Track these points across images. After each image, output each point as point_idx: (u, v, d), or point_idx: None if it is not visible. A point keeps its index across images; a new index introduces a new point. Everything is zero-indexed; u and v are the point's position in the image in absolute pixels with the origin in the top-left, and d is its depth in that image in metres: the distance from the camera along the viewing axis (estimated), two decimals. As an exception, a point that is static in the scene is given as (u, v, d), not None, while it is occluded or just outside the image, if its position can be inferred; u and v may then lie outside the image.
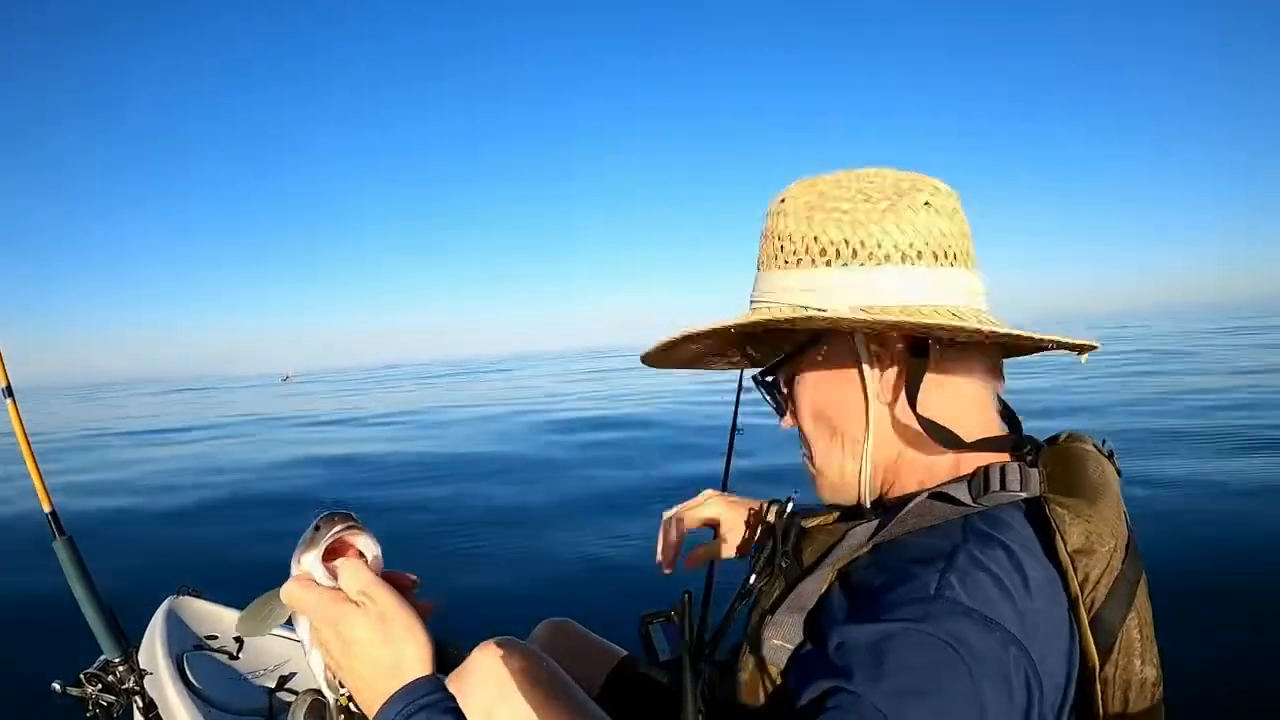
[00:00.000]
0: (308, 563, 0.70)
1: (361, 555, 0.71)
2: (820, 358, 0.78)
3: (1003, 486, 0.69)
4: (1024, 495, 0.69)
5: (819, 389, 0.79)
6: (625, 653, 1.33)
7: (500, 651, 1.09)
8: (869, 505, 0.79)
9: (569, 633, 1.37)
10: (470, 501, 5.42)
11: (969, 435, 0.74)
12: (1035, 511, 0.69)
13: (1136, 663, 0.67)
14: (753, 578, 0.84)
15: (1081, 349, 0.72)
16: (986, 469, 0.71)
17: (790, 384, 0.82)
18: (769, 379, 0.83)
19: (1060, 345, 0.73)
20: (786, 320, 0.72)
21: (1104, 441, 0.77)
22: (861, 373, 0.75)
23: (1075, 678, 0.65)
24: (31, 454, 1.53)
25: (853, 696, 0.56)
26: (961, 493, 0.71)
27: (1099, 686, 0.66)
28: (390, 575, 0.72)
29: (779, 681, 0.70)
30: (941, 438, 0.73)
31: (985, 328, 0.67)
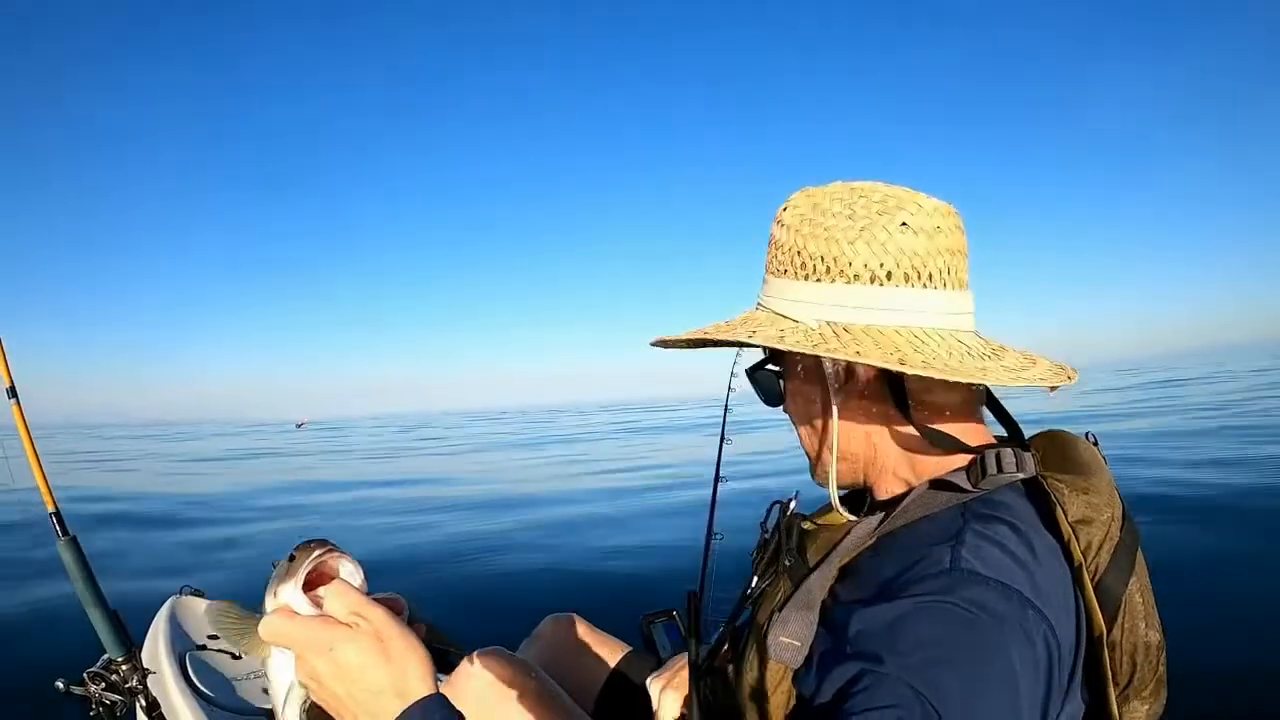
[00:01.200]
0: (285, 594, 0.63)
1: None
2: (801, 360, 0.82)
3: (999, 470, 0.70)
4: (1021, 476, 0.71)
5: (800, 389, 0.84)
6: (630, 648, 1.33)
7: (488, 662, 1.09)
8: (868, 499, 0.81)
9: (574, 628, 1.37)
10: (469, 499, 5.42)
11: (962, 435, 0.76)
12: (1034, 490, 0.71)
13: (1141, 626, 0.69)
14: (755, 579, 0.84)
15: (1050, 384, 0.72)
16: (982, 456, 0.73)
17: (784, 377, 0.86)
18: (765, 371, 0.87)
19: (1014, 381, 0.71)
20: (749, 341, 0.76)
21: (1087, 434, 0.79)
22: (826, 384, 0.79)
23: (1083, 643, 0.66)
24: (35, 454, 1.54)
25: (879, 676, 0.55)
26: (960, 480, 0.72)
27: (1106, 650, 0.66)
28: (377, 600, 0.65)
29: (791, 679, 0.70)
30: (939, 441, 0.74)
31: (909, 369, 0.66)
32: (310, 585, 0.63)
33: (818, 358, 0.76)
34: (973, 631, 0.57)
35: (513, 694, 1.04)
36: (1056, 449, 0.76)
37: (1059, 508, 0.67)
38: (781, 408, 0.88)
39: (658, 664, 1.13)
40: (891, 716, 0.53)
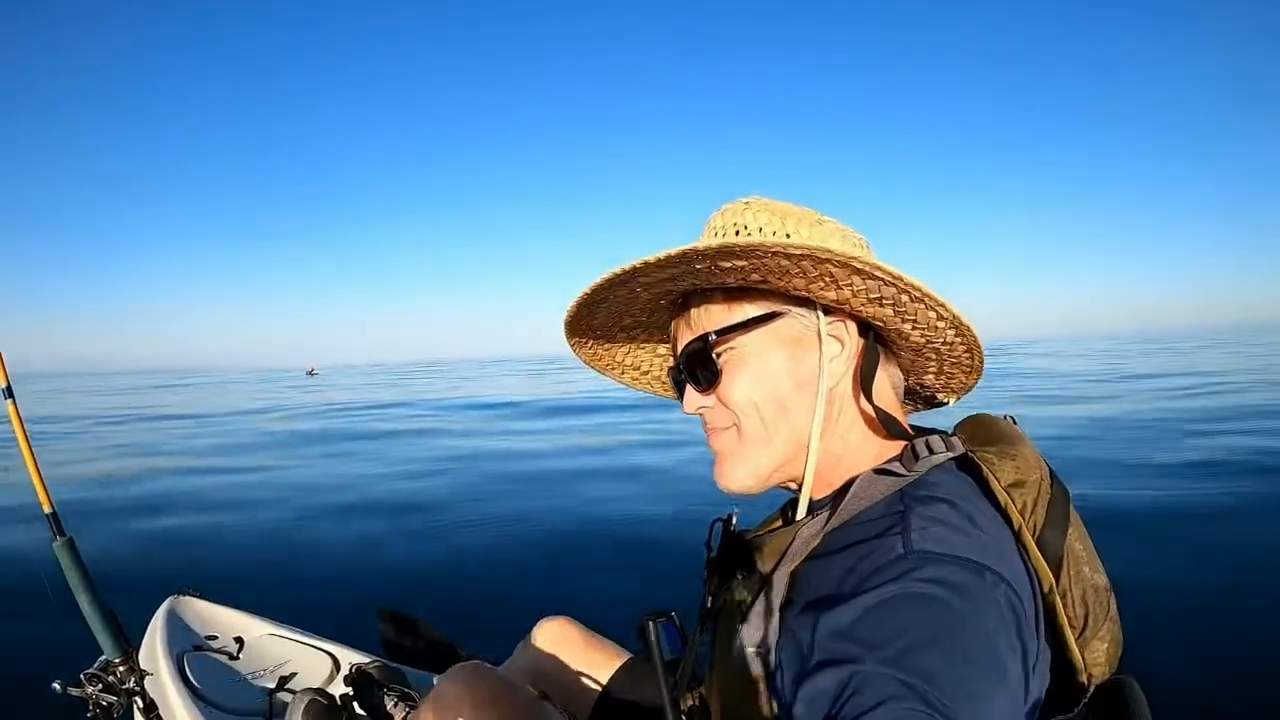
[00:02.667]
0: None
1: None
2: (780, 329, 0.79)
3: (930, 453, 0.74)
4: (951, 455, 0.74)
5: (773, 362, 0.79)
6: (626, 653, 1.33)
7: (469, 679, 1.09)
8: (807, 500, 0.79)
9: (569, 630, 1.37)
10: (470, 500, 5.42)
11: (894, 426, 0.79)
12: (965, 465, 0.74)
13: (1086, 570, 0.73)
14: (709, 599, 0.84)
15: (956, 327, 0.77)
16: (912, 443, 0.77)
17: (719, 357, 0.81)
18: (704, 346, 0.80)
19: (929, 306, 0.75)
20: (774, 248, 0.70)
21: (1006, 416, 0.83)
22: (794, 350, 0.79)
23: (1038, 597, 0.69)
24: (32, 455, 1.53)
25: (864, 676, 0.55)
26: (896, 467, 0.75)
27: (1058, 598, 0.70)
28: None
29: (763, 688, 0.70)
30: (891, 427, 0.78)
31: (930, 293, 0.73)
32: None
33: (799, 328, 0.78)
34: (941, 607, 0.58)
35: (494, 712, 1.03)
36: (980, 428, 0.80)
37: (992, 477, 0.71)
38: (708, 395, 0.82)
39: (655, 667, 1.13)
40: (888, 713, 0.52)
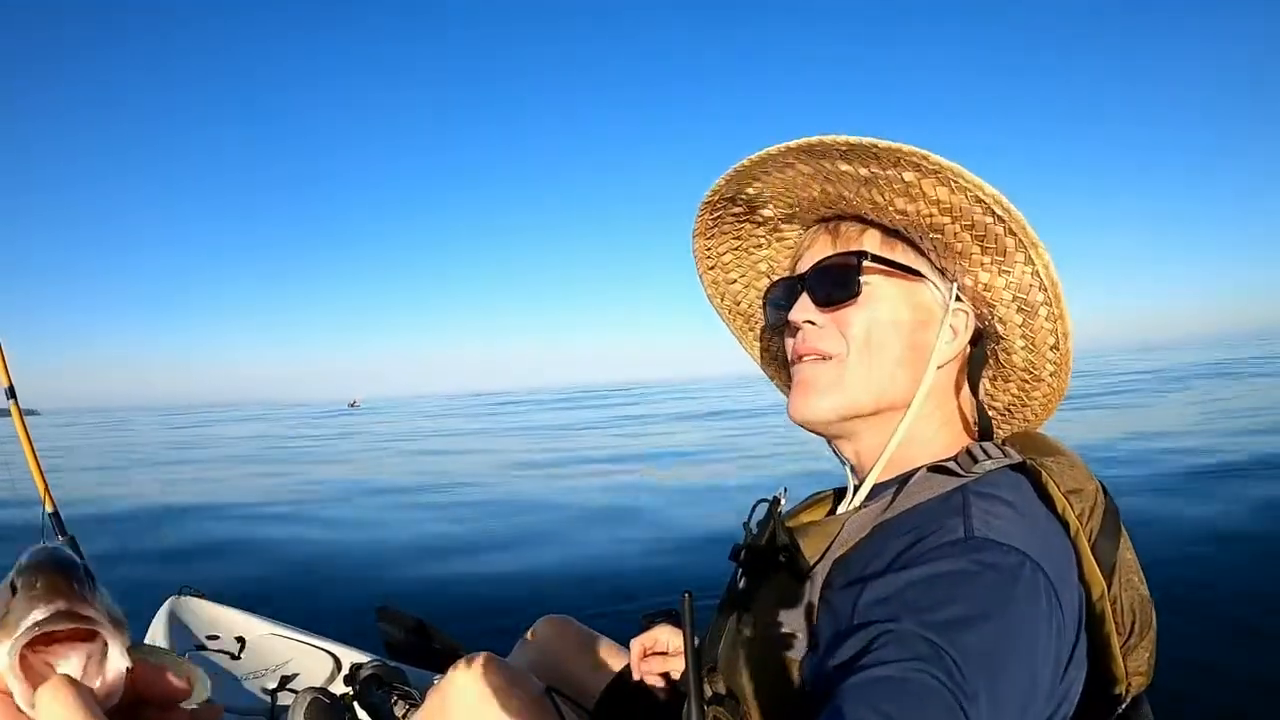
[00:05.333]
0: None
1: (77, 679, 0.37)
2: (917, 290, 0.78)
3: (987, 458, 0.74)
4: (1009, 462, 0.74)
5: (901, 315, 0.78)
6: (626, 651, 1.33)
7: (478, 669, 1.08)
8: (873, 481, 0.79)
9: (568, 629, 1.38)
10: (469, 499, 5.43)
11: (970, 428, 0.81)
12: (1021, 473, 0.74)
13: (1135, 579, 0.73)
14: (742, 579, 0.83)
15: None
16: (968, 448, 0.76)
17: (861, 280, 0.78)
18: (855, 262, 0.77)
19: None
20: (997, 200, 0.70)
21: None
22: (924, 315, 0.78)
23: (1083, 611, 0.69)
24: (34, 455, 1.54)
25: (897, 632, 0.55)
26: (953, 466, 0.75)
27: (1108, 605, 0.70)
28: (146, 679, 0.40)
29: (798, 673, 0.70)
30: (984, 424, 0.80)
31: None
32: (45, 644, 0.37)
33: (929, 301, 0.78)
34: (993, 593, 0.58)
35: (504, 702, 1.03)
36: (1031, 441, 0.80)
37: (1052, 482, 0.71)
38: (825, 312, 0.78)
39: (683, 648, 1.13)
40: (912, 669, 0.53)
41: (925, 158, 0.70)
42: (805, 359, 0.80)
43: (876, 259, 0.77)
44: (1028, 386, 0.83)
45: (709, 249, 0.96)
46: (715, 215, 0.92)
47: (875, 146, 0.71)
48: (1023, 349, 0.80)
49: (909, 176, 0.72)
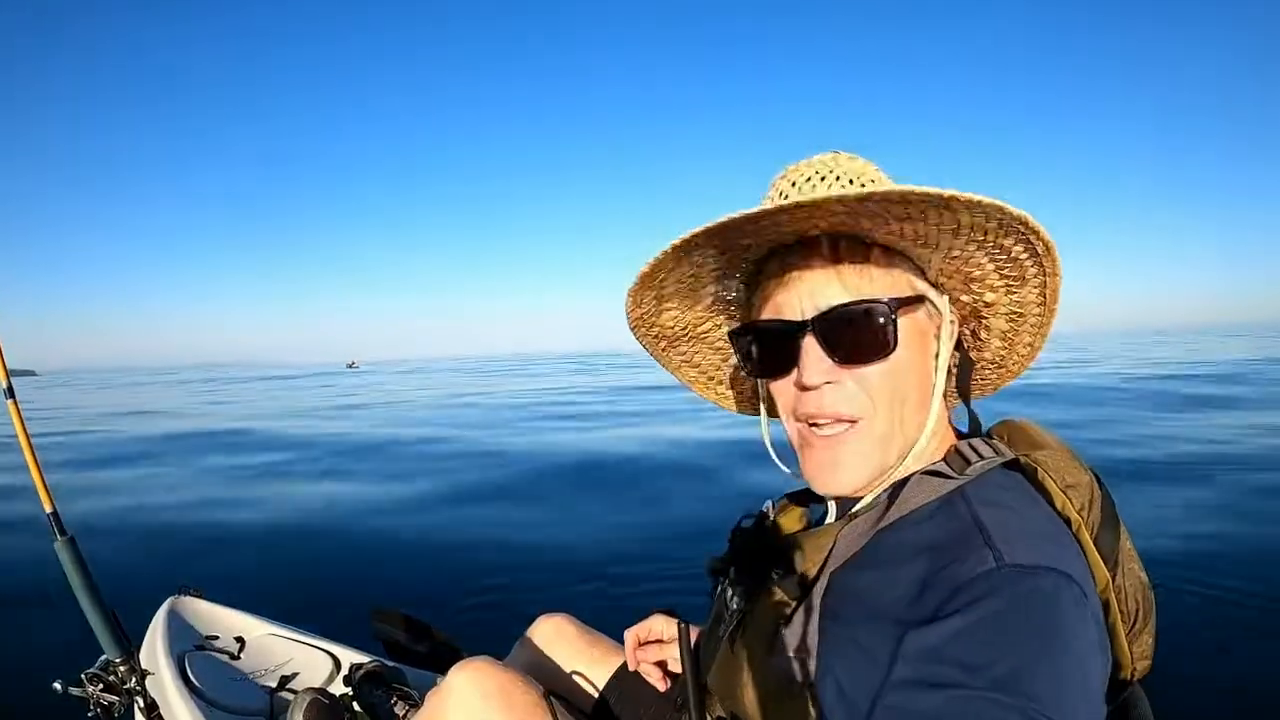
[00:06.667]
0: None
1: None
2: (919, 316, 0.73)
3: (979, 457, 0.73)
4: (1000, 460, 0.73)
5: (913, 352, 0.72)
6: (622, 646, 1.33)
7: (477, 672, 1.08)
8: (871, 498, 0.77)
9: (567, 628, 1.37)
10: (469, 499, 5.42)
11: (952, 424, 0.81)
12: (1015, 470, 0.74)
13: (1135, 567, 0.74)
14: (732, 596, 0.81)
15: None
16: (957, 447, 0.75)
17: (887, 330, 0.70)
18: (887, 312, 0.69)
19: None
20: (997, 206, 0.60)
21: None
22: (925, 339, 0.75)
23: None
24: (33, 454, 1.54)
25: (967, 699, 0.54)
26: (944, 469, 0.73)
27: (1113, 595, 0.70)
28: None
29: (803, 692, 0.69)
30: (972, 422, 0.80)
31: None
32: None
33: (924, 319, 0.74)
34: (1044, 625, 0.58)
35: (503, 707, 1.03)
36: (1017, 432, 0.79)
37: (1049, 479, 0.70)
38: (845, 369, 0.70)
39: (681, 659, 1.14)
40: None
41: (1003, 209, 0.61)
42: (823, 424, 0.73)
43: (904, 302, 0.70)
44: (987, 372, 0.85)
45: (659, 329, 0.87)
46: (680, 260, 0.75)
47: (941, 197, 0.59)
48: (998, 347, 0.81)
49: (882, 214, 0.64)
